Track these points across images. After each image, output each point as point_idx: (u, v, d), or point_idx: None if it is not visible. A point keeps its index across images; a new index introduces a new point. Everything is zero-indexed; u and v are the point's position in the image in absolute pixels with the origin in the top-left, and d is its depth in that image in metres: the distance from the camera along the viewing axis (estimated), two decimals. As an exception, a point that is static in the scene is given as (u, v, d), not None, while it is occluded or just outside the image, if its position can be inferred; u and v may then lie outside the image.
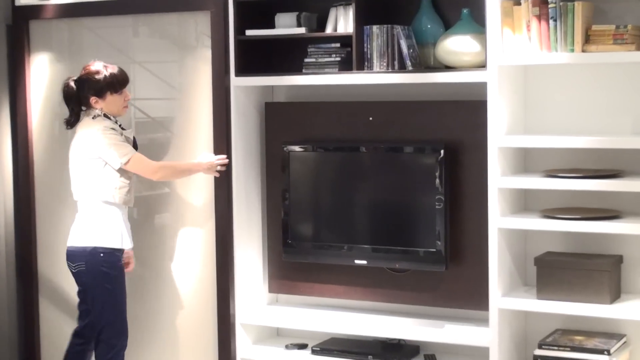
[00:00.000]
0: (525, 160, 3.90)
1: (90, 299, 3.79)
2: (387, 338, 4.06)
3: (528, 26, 3.61)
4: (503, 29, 3.66)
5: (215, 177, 4.26)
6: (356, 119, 4.09)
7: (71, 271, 3.87)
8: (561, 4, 3.54)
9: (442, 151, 3.87)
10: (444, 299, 3.99)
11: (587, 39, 3.55)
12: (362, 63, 3.93)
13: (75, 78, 3.86)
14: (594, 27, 3.54)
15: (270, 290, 4.36)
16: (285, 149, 4.18)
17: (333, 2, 4.01)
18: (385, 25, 3.88)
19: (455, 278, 3.95)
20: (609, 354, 3.58)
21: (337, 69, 3.99)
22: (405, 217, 3.98)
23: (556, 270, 3.64)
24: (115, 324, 3.75)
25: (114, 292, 3.73)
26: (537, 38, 3.60)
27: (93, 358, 3.95)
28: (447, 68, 3.86)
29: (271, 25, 4.15)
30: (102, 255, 3.70)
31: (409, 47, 3.87)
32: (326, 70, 4.01)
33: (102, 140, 3.73)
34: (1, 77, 4.72)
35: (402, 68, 3.88)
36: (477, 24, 3.82)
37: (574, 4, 3.50)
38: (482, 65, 3.75)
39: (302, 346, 4.21)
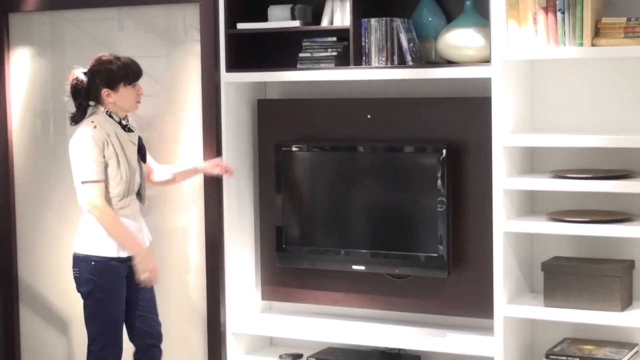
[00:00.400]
0: (532, 160, 3.89)
1: (83, 307, 3.77)
2: (386, 348, 4.05)
3: (534, 18, 3.61)
4: (508, 21, 3.66)
5: (205, 178, 4.25)
6: (354, 117, 4.08)
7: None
8: (569, -5, 3.55)
9: (444, 151, 3.86)
10: (446, 306, 3.99)
11: (597, 32, 3.54)
12: (359, 58, 3.93)
13: (84, 70, 3.75)
14: (604, 20, 3.54)
15: (263, 297, 4.35)
16: (279, 149, 4.17)
17: (329, -7, 4.02)
18: (384, 18, 3.88)
19: (458, 284, 3.95)
20: (620, 364, 3.58)
21: (333, 64, 3.98)
22: (406, 220, 3.98)
23: (564, 276, 3.63)
24: (106, 336, 3.72)
25: (104, 303, 3.69)
26: (544, 31, 3.60)
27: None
28: (450, 63, 3.86)
29: (264, 18, 4.14)
30: (93, 263, 3.67)
31: (409, 41, 3.87)
32: (322, 65, 4.00)
33: (76, 150, 3.67)
34: (-21, 73, 4.71)
35: (402, 63, 3.88)
36: (481, 16, 3.81)
37: (582, -4, 3.51)
38: (486, 60, 3.74)
39: (297, 356, 4.21)
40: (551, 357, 3.66)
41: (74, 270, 3.74)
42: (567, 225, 3.59)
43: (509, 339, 3.75)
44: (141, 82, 3.89)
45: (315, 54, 4.02)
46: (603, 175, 3.57)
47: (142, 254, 3.67)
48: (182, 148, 4.42)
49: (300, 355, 4.20)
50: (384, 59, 3.89)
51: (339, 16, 3.98)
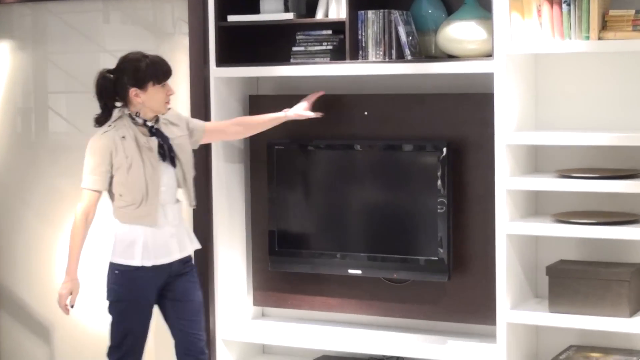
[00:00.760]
0: (536, 159, 3.89)
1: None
2: (383, 355, 4.05)
3: (539, 11, 3.60)
4: (511, 13, 3.65)
5: (193, 178, 4.23)
6: (350, 114, 4.07)
7: None
8: (575, -14, 3.55)
9: (444, 149, 3.86)
10: (447, 312, 3.99)
11: (604, 25, 3.54)
12: (356, 52, 3.92)
13: (110, 69, 3.66)
14: (612, 12, 3.53)
15: (255, 303, 4.35)
16: (271, 147, 4.16)
17: (324, -16, 4.01)
18: (381, 10, 3.87)
19: (459, 289, 3.94)
20: (628, 372, 3.59)
21: (328, 59, 3.98)
22: (404, 222, 3.97)
23: (570, 281, 3.63)
24: (125, 347, 3.66)
25: (125, 314, 3.63)
26: (549, 24, 3.60)
27: None
28: (450, 57, 3.85)
29: (256, 10, 4.13)
30: (116, 272, 3.64)
31: (407, 35, 3.86)
32: (316, 60, 3.99)
33: (86, 155, 3.64)
34: (-43, 67, 4.70)
35: (400, 57, 3.87)
36: (483, 8, 3.81)
37: (589, -13, 3.51)
38: (489, 55, 3.74)
39: (291, 365, 4.21)
40: (556, 365, 3.67)
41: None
42: (573, 227, 3.59)
43: (512, 347, 3.75)
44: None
45: (310, 48, 4.01)
46: (611, 174, 3.57)
47: (65, 278, 3.60)
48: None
49: (294, 364, 4.22)
50: (381, 53, 3.88)
51: (335, 8, 3.97)
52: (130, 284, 3.62)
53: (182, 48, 4.34)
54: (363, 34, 3.90)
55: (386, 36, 3.87)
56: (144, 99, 3.59)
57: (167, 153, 3.65)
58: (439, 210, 3.88)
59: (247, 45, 4.25)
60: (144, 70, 3.58)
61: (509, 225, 3.68)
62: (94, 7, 4.56)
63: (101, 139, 3.58)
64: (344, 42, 3.93)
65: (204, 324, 3.77)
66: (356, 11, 3.90)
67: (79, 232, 3.60)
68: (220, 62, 4.14)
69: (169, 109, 3.68)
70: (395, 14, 3.86)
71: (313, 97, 4.02)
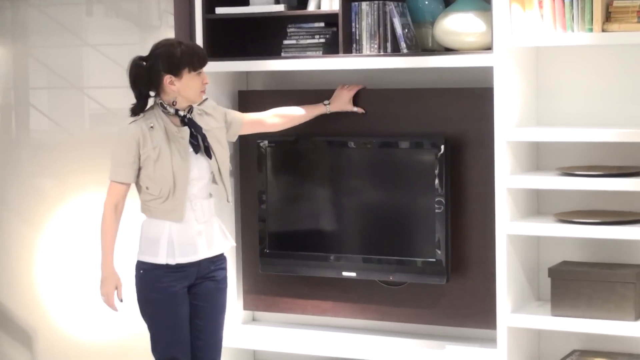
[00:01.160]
0: (538, 156, 3.89)
1: None
2: (380, 361, 4.04)
3: (540, 2, 3.61)
4: (511, 5, 3.65)
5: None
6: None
7: None
8: (578, -24, 3.54)
9: (442, 146, 3.85)
10: (445, 316, 3.98)
11: (608, 17, 3.54)
12: (349, 45, 3.91)
13: (143, 56, 3.58)
14: (616, 3, 3.53)
15: (246, 307, 4.34)
16: (261, 144, 4.16)
17: (316, -25, 4.00)
18: (376, 2, 3.86)
19: (458, 292, 3.94)
20: (634, 378, 3.59)
21: (321, 52, 3.97)
22: (401, 222, 3.96)
23: (573, 283, 3.63)
24: (165, 346, 3.60)
25: (156, 316, 3.57)
26: (551, 16, 3.59)
27: None
28: (448, 51, 3.84)
29: (245, 2, 4.12)
30: (141, 272, 3.59)
31: (403, 27, 3.85)
32: (308, 53, 3.98)
33: (112, 146, 3.57)
34: None
35: (396, 51, 3.86)
36: (482, -1, 3.81)
37: (592, -23, 3.51)
38: (488, 47, 3.73)
39: (283, 371, 4.20)
40: (559, 370, 3.67)
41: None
42: (576, 227, 3.59)
43: (513, 351, 3.74)
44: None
45: (301, 41, 4.00)
46: (615, 172, 3.57)
47: (103, 275, 3.56)
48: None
49: (286, 370, 4.21)
50: (376, 46, 3.87)
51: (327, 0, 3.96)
52: (155, 284, 3.56)
53: (168, 42, 4.32)
54: (357, 26, 3.89)
55: (381, 28, 3.87)
56: (179, 87, 3.53)
57: (200, 144, 3.58)
58: (436, 210, 3.87)
59: (236, 38, 4.23)
60: (179, 57, 3.51)
61: (510, 225, 3.68)
62: (77, 0, 4.54)
63: (128, 129, 3.52)
64: (337, 35, 3.92)
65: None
66: (350, 2, 3.89)
67: (109, 225, 3.54)
68: (208, 56, 4.10)
69: (206, 99, 3.63)
70: (391, 5, 3.85)
71: (354, 89, 4.00)
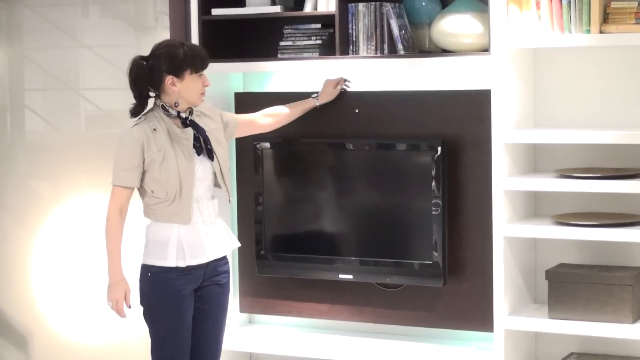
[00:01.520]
0: (535, 158, 3.88)
1: None
2: (376, 364, 4.04)
3: (537, 3, 3.60)
4: (509, 6, 3.65)
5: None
6: (340, 112, 4.06)
7: None
8: (575, -23, 3.54)
9: (439, 148, 3.85)
10: (442, 318, 3.98)
11: (606, 18, 3.53)
12: (346, 47, 3.91)
13: (144, 55, 3.56)
14: (614, 5, 3.53)
15: (242, 309, 4.33)
16: (258, 146, 4.15)
17: (313, -24, 4.00)
18: (372, 3, 3.86)
19: (455, 294, 3.93)
20: (632, 381, 3.58)
21: (317, 54, 3.96)
22: (397, 224, 3.96)
23: (571, 285, 3.62)
24: (166, 352, 3.58)
25: (161, 319, 3.55)
26: (549, 17, 3.59)
27: None
28: (445, 52, 3.84)
29: (241, 3, 4.12)
30: (149, 274, 3.56)
31: (400, 28, 3.85)
32: (305, 55, 3.98)
33: (116, 149, 3.54)
34: None
35: (393, 52, 3.86)
36: (479, 0, 3.80)
37: (590, -22, 3.51)
38: (485, 49, 3.73)
39: (279, 374, 4.19)
40: (557, 373, 3.66)
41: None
42: (574, 229, 3.58)
43: (511, 354, 3.74)
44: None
45: (298, 43, 3.99)
46: (612, 174, 3.56)
47: (112, 280, 3.53)
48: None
49: (283, 373, 4.20)
50: (373, 47, 3.87)
51: (324, 1, 3.96)
52: (164, 287, 3.53)
53: (164, 43, 4.31)
54: (354, 27, 3.89)
55: (378, 30, 3.86)
56: (180, 88, 3.50)
57: (203, 146, 3.57)
58: (433, 212, 3.87)
59: (232, 40, 4.23)
60: (182, 58, 3.49)
61: (507, 228, 3.67)
62: (72, 1, 4.54)
63: (132, 132, 3.49)
64: (334, 36, 3.92)
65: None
66: (346, 4, 3.89)
67: (115, 230, 3.50)
68: (205, 58, 4.11)
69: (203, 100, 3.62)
70: (388, 7, 3.85)
71: (334, 80, 4.00)
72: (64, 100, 4.74)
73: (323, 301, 4.17)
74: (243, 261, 4.28)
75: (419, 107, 3.94)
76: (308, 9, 4.01)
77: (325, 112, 4.07)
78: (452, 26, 3.78)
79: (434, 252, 3.89)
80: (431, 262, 3.90)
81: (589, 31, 3.53)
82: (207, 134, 3.58)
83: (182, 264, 3.53)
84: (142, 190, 3.54)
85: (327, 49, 3.97)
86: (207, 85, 3.56)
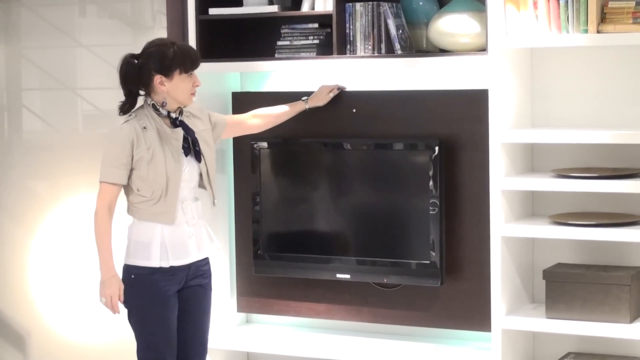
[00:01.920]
0: (533, 158, 3.88)
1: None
2: (374, 364, 4.03)
3: (535, 3, 3.60)
4: (506, 6, 3.64)
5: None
6: (337, 112, 4.05)
7: None
8: (573, -23, 3.53)
9: (436, 148, 3.84)
10: (439, 318, 3.97)
11: (603, 18, 3.53)
12: (343, 46, 3.90)
13: (135, 54, 3.54)
14: (611, 4, 3.52)
15: (240, 309, 4.33)
16: (255, 146, 4.14)
17: (310, -25, 3.99)
18: (370, 3, 3.85)
19: (452, 294, 3.93)
20: (629, 380, 3.58)
21: (314, 54, 3.96)
22: (395, 224, 3.95)
23: (568, 285, 3.62)
24: (152, 355, 3.56)
25: (146, 321, 3.53)
26: (546, 17, 3.58)
27: None
28: (442, 52, 3.84)
29: (238, 3, 4.11)
30: (133, 276, 3.53)
31: (397, 28, 3.84)
32: (302, 54, 3.97)
33: (105, 145, 3.52)
34: None
35: (390, 52, 3.86)
36: (477, 0, 3.79)
37: (587, -22, 3.50)
38: (483, 49, 3.73)
39: (276, 374, 4.19)
40: (554, 373, 3.66)
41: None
42: (571, 229, 3.58)
43: (508, 354, 3.73)
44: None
45: (295, 42, 3.99)
46: (610, 174, 3.56)
47: (104, 277, 3.51)
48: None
49: (280, 373, 4.19)
50: (370, 47, 3.86)
51: (321, 0, 3.95)
52: (149, 288, 3.52)
53: (161, 43, 4.30)
54: (351, 27, 3.88)
55: (375, 30, 3.86)
56: (169, 88, 3.49)
57: (191, 147, 3.55)
58: (431, 212, 3.86)
59: (229, 39, 4.22)
60: (171, 58, 3.47)
61: (504, 227, 3.67)
62: (70, 0, 4.53)
63: (122, 128, 3.47)
64: (331, 36, 3.91)
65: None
66: (344, 3, 3.88)
67: (105, 227, 3.48)
68: (201, 57, 4.08)
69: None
70: (385, 7, 3.84)
71: (330, 86, 4.00)
72: (62, 99, 4.73)
73: (320, 301, 4.16)
74: (240, 261, 4.28)
75: (417, 107, 3.94)
76: (305, 8, 4.00)
77: (323, 112, 4.07)
78: (450, 26, 3.77)
79: (431, 252, 3.88)
80: (429, 262, 3.89)
81: (586, 31, 3.52)
82: (195, 135, 3.56)
83: (165, 264, 3.51)
84: (127, 187, 3.52)
85: (325, 49, 3.96)
86: (197, 86, 3.54)
